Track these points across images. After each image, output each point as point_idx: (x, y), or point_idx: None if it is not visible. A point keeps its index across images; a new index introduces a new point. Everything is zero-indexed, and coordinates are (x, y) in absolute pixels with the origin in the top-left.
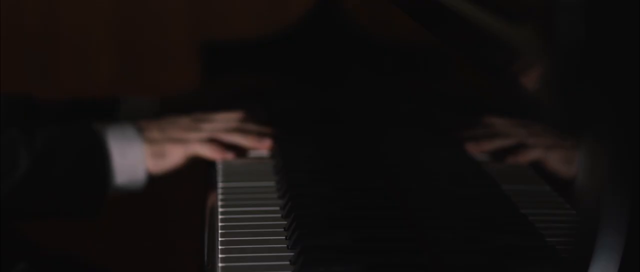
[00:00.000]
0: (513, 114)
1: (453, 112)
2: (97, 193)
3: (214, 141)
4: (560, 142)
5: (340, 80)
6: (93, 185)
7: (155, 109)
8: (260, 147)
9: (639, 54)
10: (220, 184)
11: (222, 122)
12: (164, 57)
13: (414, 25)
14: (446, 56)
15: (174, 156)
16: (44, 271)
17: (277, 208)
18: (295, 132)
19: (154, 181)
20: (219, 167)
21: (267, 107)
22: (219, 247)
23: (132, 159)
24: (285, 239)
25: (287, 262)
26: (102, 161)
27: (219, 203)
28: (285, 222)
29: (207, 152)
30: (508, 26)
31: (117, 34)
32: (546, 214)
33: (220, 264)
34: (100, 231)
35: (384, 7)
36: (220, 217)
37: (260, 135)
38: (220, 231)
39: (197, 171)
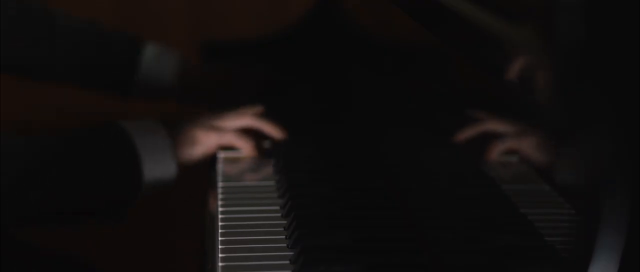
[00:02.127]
0: (513, 114)
1: (453, 112)
2: (130, 196)
3: (245, 134)
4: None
5: (340, 80)
6: (126, 189)
7: (175, 64)
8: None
9: (639, 54)
10: (220, 184)
11: (251, 113)
12: None
13: (414, 25)
14: (446, 56)
15: (207, 142)
16: (44, 271)
17: (277, 208)
18: (295, 132)
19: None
20: (219, 167)
21: (267, 107)
22: (219, 247)
23: (161, 157)
24: (285, 239)
25: (287, 262)
26: (133, 164)
27: (219, 203)
28: (285, 222)
29: (241, 143)
30: (508, 26)
31: None
32: (546, 214)
33: (220, 264)
34: (100, 231)
35: (384, 7)
36: (220, 217)
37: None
38: (220, 231)
39: (197, 171)
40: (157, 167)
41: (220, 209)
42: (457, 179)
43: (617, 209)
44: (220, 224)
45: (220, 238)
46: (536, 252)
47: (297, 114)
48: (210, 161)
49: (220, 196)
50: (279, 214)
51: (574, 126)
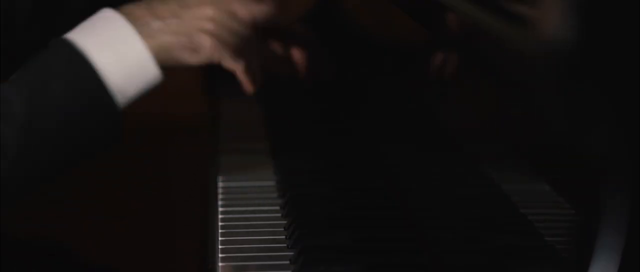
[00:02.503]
0: (513, 113)
1: (453, 113)
2: (108, 114)
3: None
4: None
5: (340, 80)
6: (96, 105)
7: None
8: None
9: (639, 54)
10: (220, 184)
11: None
12: None
13: (414, 25)
14: (446, 56)
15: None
16: (44, 271)
17: (277, 208)
18: (295, 133)
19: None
20: (219, 167)
21: (267, 107)
22: (219, 247)
23: (128, 57)
24: (285, 239)
25: (287, 262)
26: (89, 73)
27: (219, 203)
28: (285, 222)
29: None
30: (508, 26)
31: None
32: (546, 214)
33: (220, 264)
34: (100, 231)
35: (384, 7)
36: (220, 217)
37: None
38: (220, 231)
39: (197, 171)
40: (127, 73)
41: (220, 209)
42: (457, 179)
43: (617, 209)
44: (220, 224)
45: (220, 238)
46: (536, 252)
47: (297, 114)
48: (210, 160)
49: (220, 196)
50: (279, 214)
51: (574, 126)
